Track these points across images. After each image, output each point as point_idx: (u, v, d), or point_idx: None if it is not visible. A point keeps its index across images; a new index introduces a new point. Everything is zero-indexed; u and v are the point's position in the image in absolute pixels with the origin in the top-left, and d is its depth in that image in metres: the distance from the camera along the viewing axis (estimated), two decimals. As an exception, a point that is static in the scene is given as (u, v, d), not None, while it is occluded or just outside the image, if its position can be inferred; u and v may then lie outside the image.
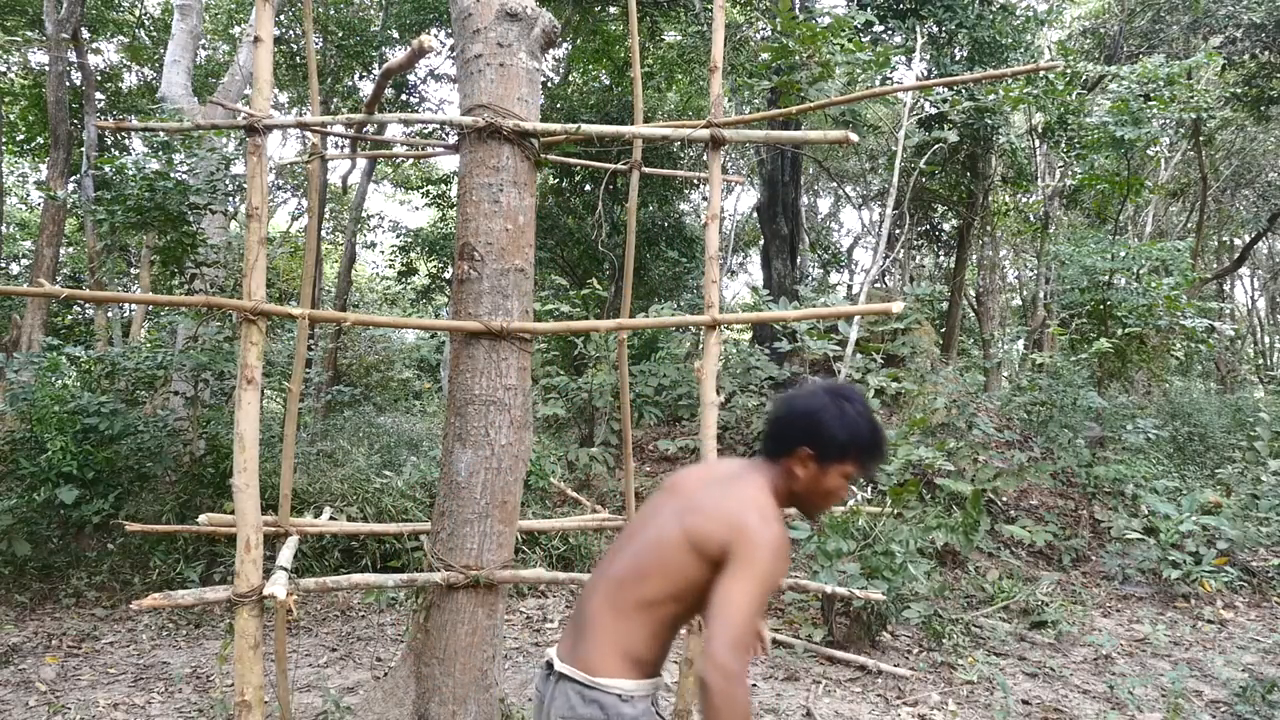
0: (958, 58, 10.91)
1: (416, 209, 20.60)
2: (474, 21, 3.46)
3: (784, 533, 1.75)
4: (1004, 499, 8.05)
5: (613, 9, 13.55)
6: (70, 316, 12.41)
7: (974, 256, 16.75)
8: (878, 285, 14.60)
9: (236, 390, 2.80)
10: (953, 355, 13.45)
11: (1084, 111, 10.97)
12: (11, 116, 14.78)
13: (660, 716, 1.88)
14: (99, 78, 13.69)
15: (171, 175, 6.38)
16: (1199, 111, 10.61)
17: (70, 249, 15.08)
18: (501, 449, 3.33)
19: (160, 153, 6.65)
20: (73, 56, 11.11)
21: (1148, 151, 13.31)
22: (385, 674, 4.23)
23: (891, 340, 9.85)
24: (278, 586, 2.75)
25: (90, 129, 10.71)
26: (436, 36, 12.67)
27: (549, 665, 1.87)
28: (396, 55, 3.93)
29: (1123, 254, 10.51)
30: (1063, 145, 11.68)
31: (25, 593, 5.67)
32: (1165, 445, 10.42)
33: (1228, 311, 19.09)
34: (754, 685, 4.64)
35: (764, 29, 12.84)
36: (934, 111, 10.90)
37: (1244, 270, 22.22)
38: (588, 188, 13.76)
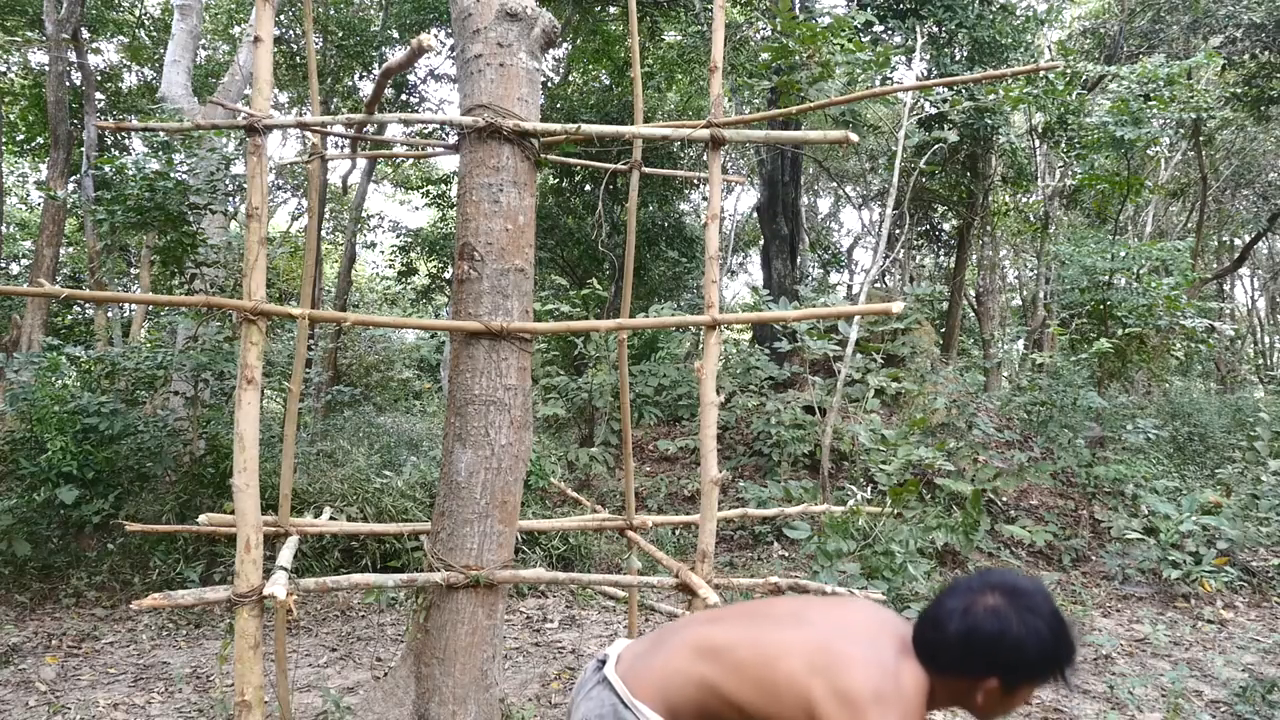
0: (958, 58, 10.90)
1: (416, 209, 20.61)
2: (474, 21, 3.46)
3: None
4: (1004, 499, 8.06)
5: (613, 9, 13.54)
6: (70, 316, 12.41)
7: (974, 256, 16.75)
8: (878, 285, 14.60)
9: (236, 390, 2.80)
10: (953, 355, 13.45)
11: (1084, 111, 10.97)
12: (11, 116, 14.78)
13: None
14: (99, 78, 13.69)
15: (171, 175, 6.38)
16: (1199, 111, 10.61)
17: (70, 249, 15.07)
18: (501, 449, 3.33)
19: (160, 153, 6.64)
20: (73, 56, 11.11)
21: (1148, 151, 13.31)
22: (385, 674, 4.23)
23: (891, 340, 9.86)
24: (278, 586, 2.74)
25: (90, 129, 10.71)
26: (436, 36, 12.66)
27: (601, 663, 1.91)
28: (396, 55, 3.93)
29: (1123, 254, 10.51)
30: (1063, 145, 11.68)
31: (25, 593, 5.67)
32: (1165, 445, 10.42)
33: (1228, 311, 19.10)
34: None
35: (764, 29, 12.83)
36: (934, 111, 10.89)
37: (1244, 270, 22.23)
38: (588, 188, 13.76)
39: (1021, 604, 1.60)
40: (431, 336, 17.00)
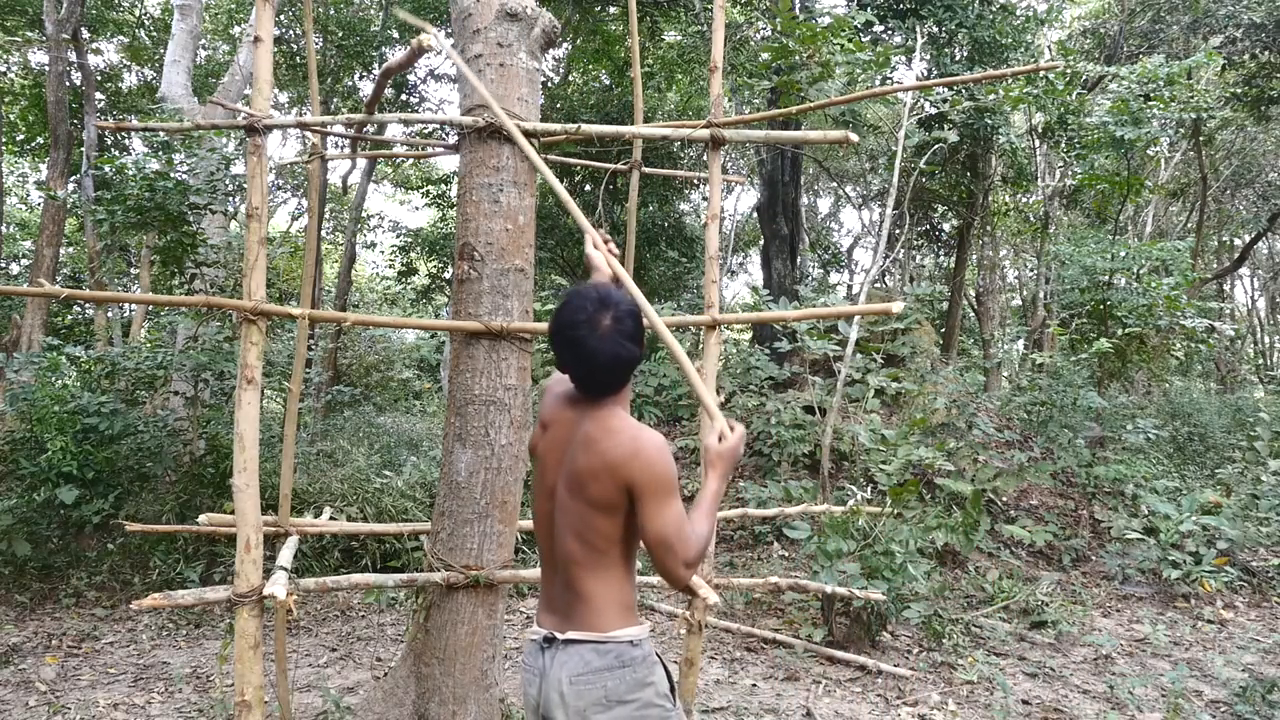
0: (958, 58, 10.90)
1: (416, 209, 20.60)
2: (474, 21, 3.46)
3: (658, 436, 1.88)
4: (1004, 499, 8.05)
5: (613, 9, 13.54)
6: (70, 316, 12.40)
7: (974, 256, 16.74)
8: (878, 285, 14.59)
9: (236, 390, 2.80)
10: (953, 355, 13.44)
11: (1084, 111, 10.96)
12: (11, 116, 14.77)
13: (656, 653, 1.99)
14: (99, 78, 13.68)
15: (171, 175, 6.38)
16: (1199, 111, 10.60)
17: (70, 249, 15.07)
18: (501, 449, 3.33)
19: (160, 153, 6.64)
20: (73, 56, 11.10)
21: (1148, 151, 13.30)
22: (385, 674, 4.23)
23: (891, 340, 9.85)
24: (278, 586, 2.75)
25: (90, 129, 10.71)
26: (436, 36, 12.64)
27: (548, 640, 1.92)
28: (396, 55, 3.93)
29: (1123, 254, 10.50)
30: (1063, 145, 11.67)
31: (25, 593, 5.68)
32: (1165, 445, 10.42)
33: (1228, 311, 19.08)
34: (754, 685, 4.64)
35: (764, 29, 12.83)
36: (934, 111, 10.88)
37: (1244, 270, 22.20)
38: (588, 188, 13.76)
39: (617, 311, 1.88)
40: (431, 336, 16.99)
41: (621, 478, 1.82)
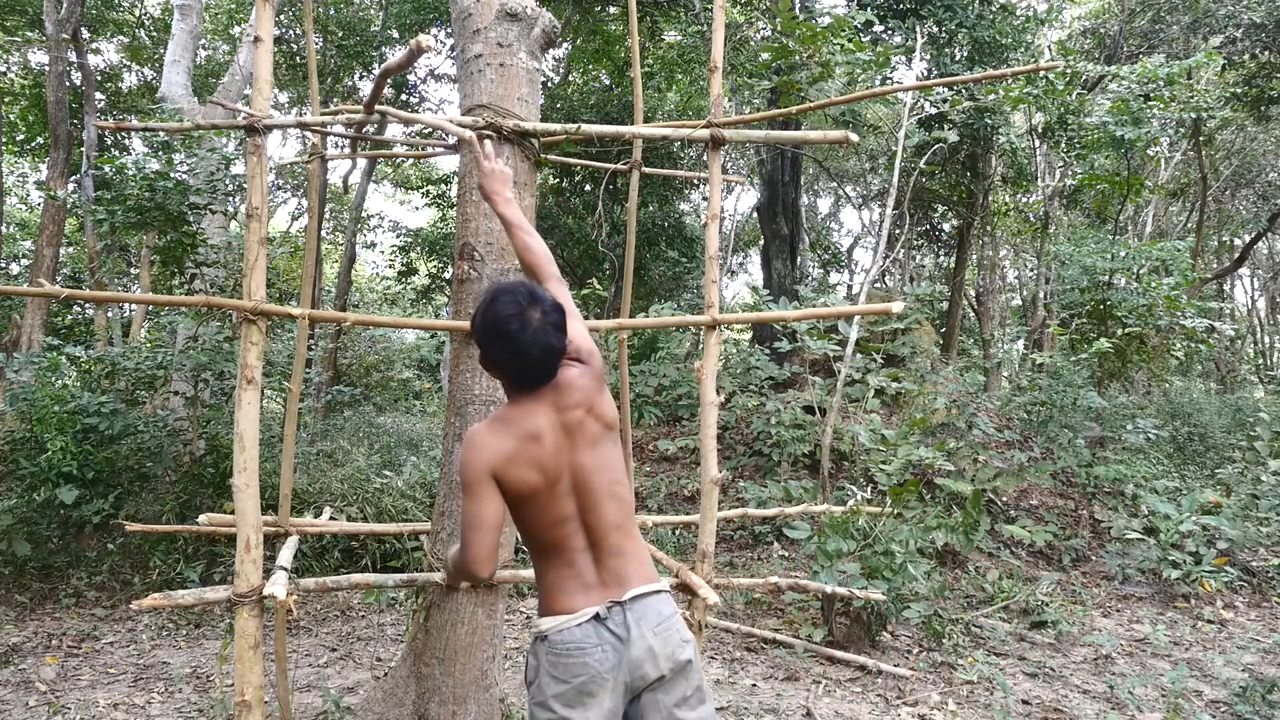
0: (958, 58, 10.90)
1: (416, 209, 20.61)
2: (474, 21, 3.46)
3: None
4: (1004, 499, 8.05)
5: (613, 9, 13.54)
6: (70, 316, 12.41)
7: (974, 256, 16.75)
8: (878, 285, 14.59)
9: (236, 390, 2.80)
10: (953, 355, 13.45)
11: (1084, 111, 10.96)
12: (11, 116, 14.77)
13: None
14: (99, 78, 13.69)
15: (171, 175, 6.38)
16: (1199, 111, 10.61)
17: (70, 249, 15.07)
18: (501, 449, 3.33)
19: (160, 153, 6.64)
20: (73, 56, 11.10)
21: (1148, 151, 13.31)
22: (385, 674, 4.23)
23: (891, 340, 9.85)
24: (278, 586, 2.74)
25: (90, 129, 10.71)
26: (436, 36, 12.66)
27: (608, 609, 1.97)
28: (396, 55, 3.94)
29: (1123, 254, 10.51)
30: (1063, 145, 11.67)
31: (25, 593, 5.68)
32: (1165, 445, 10.43)
33: (1228, 311, 19.08)
34: (754, 685, 4.64)
35: (764, 29, 12.83)
36: (934, 111, 10.88)
37: (1244, 270, 22.21)
38: (588, 188, 13.75)
39: (543, 308, 2.00)
40: (431, 336, 17.00)
41: (594, 376, 2.09)
